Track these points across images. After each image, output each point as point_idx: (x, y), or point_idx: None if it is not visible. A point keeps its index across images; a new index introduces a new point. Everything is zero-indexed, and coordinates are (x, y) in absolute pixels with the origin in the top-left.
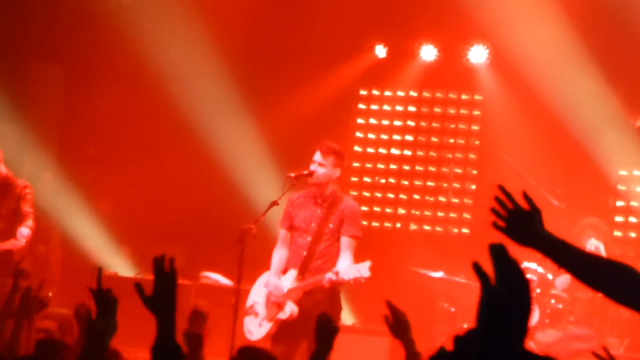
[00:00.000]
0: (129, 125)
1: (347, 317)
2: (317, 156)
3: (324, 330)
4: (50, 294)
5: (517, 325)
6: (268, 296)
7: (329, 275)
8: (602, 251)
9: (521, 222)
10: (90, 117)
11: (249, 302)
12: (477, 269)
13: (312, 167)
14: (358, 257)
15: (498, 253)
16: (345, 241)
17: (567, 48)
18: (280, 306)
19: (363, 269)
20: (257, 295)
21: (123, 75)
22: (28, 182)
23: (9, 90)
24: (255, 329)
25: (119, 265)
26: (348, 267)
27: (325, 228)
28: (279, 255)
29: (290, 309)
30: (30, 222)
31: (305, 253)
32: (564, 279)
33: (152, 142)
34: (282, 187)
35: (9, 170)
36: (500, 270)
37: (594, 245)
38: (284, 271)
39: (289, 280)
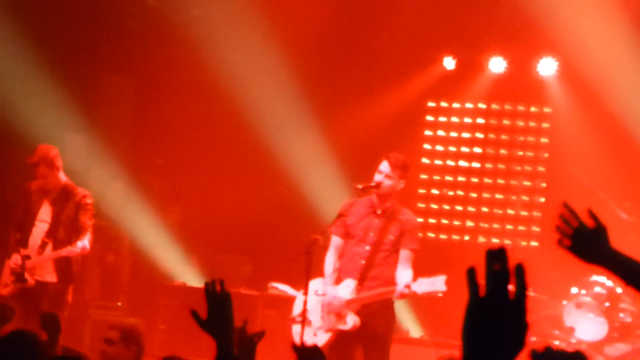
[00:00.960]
0: (197, 135)
1: (415, 330)
2: (385, 167)
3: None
4: (119, 304)
5: (499, 339)
6: (324, 305)
7: (400, 289)
8: None
9: (587, 240)
10: (159, 127)
11: (296, 310)
12: (470, 276)
13: (379, 177)
14: (425, 270)
15: (493, 259)
16: (405, 254)
17: (636, 60)
18: (340, 316)
19: (438, 283)
20: (309, 303)
21: (192, 86)
22: (89, 191)
23: (80, 101)
24: (310, 337)
25: (188, 275)
26: (421, 281)
27: (385, 239)
28: (332, 263)
29: (353, 321)
30: (88, 235)
31: (363, 262)
32: None
33: (220, 152)
34: (349, 198)
35: (68, 178)
36: (492, 278)
37: None
38: (338, 280)
39: (347, 290)
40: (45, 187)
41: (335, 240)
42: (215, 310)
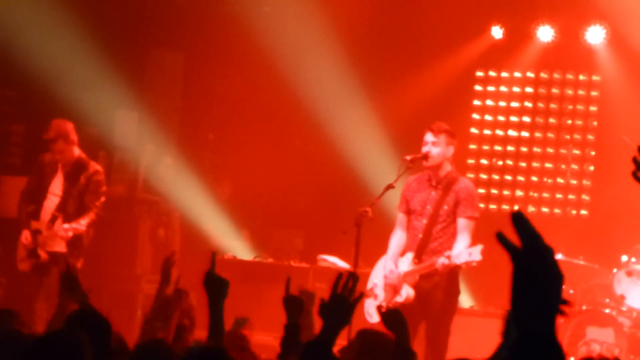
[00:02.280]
0: (247, 110)
1: (465, 300)
2: (429, 136)
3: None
4: None
5: (547, 293)
6: (385, 279)
7: (442, 259)
8: None
9: None
10: (209, 102)
11: (369, 285)
12: (502, 238)
13: (426, 148)
14: (476, 239)
15: (519, 221)
16: (461, 222)
17: None
18: (396, 290)
19: (475, 253)
20: (376, 277)
21: (242, 61)
22: (100, 166)
23: (129, 77)
24: (374, 311)
25: (238, 248)
26: (460, 252)
27: (441, 210)
28: (396, 239)
29: (406, 293)
30: (91, 215)
31: (421, 236)
32: None
33: (270, 126)
34: (398, 170)
35: (82, 151)
36: (525, 236)
37: None
38: (402, 254)
39: (405, 264)
40: (61, 161)
41: (399, 217)
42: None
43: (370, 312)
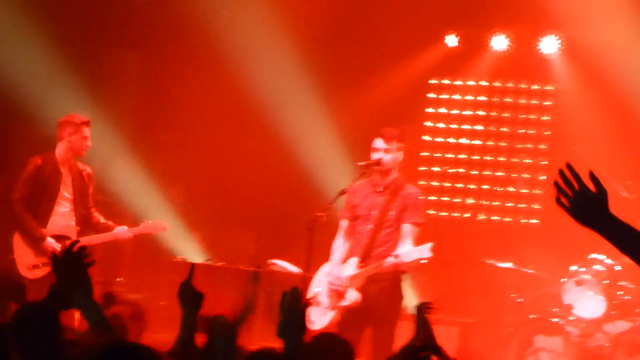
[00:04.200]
0: (202, 112)
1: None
2: (380, 143)
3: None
4: (120, 279)
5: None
6: (329, 286)
7: (390, 258)
8: None
9: (586, 203)
10: (164, 103)
11: (311, 293)
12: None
13: (377, 155)
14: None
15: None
16: (407, 228)
17: None
18: (341, 295)
19: (424, 251)
20: (319, 285)
21: (198, 62)
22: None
23: (84, 77)
24: (318, 318)
25: (190, 250)
26: (408, 250)
27: (387, 215)
28: (340, 246)
29: (352, 296)
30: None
31: (367, 240)
32: None
33: (224, 129)
34: (351, 176)
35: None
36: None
37: None
38: (346, 260)
39: (350, 269)
40: (67, 162)
41: (343, 224)
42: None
43: (313, 319)
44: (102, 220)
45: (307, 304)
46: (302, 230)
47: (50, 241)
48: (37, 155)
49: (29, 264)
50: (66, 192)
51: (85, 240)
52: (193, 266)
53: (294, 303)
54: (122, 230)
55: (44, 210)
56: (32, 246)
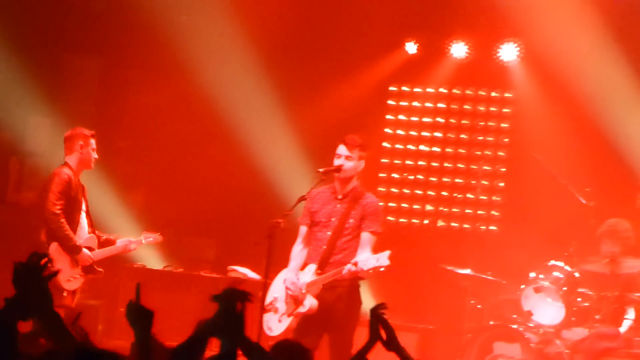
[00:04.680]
0: (162, 118)
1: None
2: (342, 150)
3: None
4: None
5: None
6: (287, 292)
7: (348, 266)
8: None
9: None
10: (123, 110)
11: (268, 299)
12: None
13: (339, 161)
14: (381, 251)
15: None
16: (365, 236)
17: (599, 45)
18: (299, 302)
19: (382, 258)
20: (276, 291)
21: (158, 69)
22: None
23: (44, 83)
24: (275, 324)
25: (149, 257)
26: (367, 257)
27: (346, 223)
28: (298, 252)
29: (309, 303)
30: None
31: (325, 247)
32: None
33: (184, 135)
34: (311, 183)
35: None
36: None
37: (609, 251)
38: (303, 267)
39: (307, 275)
40: (77, 175)
41: (302, 230)
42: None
43: (271, 326)
44: (98, 232)
45: (243, 303)
46: (262, 236)
47: (85, 252)
48: (61, 167)
49: (68, 276)
50: (83, 204)
51: (98, 254)
52: (139, 286)
53: (230, 304)
54: (127, 242)
55: (73, 222)
56: (68, 258)
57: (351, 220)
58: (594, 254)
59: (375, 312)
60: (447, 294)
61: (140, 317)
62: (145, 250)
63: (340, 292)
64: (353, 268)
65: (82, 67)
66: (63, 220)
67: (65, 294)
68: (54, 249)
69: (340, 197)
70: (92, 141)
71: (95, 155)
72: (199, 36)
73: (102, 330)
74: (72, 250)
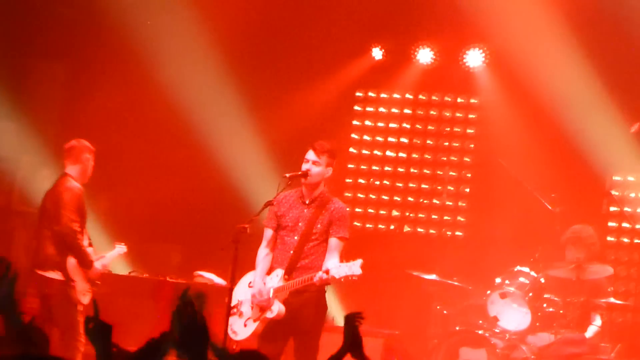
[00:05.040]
0: (127, 122)
1: (340, 318)
2: (311, 155)
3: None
4: None
5: None
6: (253, 297)
7: (320, 274)
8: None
9: None
10: (89, 114)
11: (233, 302)
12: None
13: (306, 166)
14: (351, 258)
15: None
16: (333, 242)
17: (564, 53)
18: (266, 305)
19: (355, 267)
20: (242, 295)
21: (123, 73)
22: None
23: (9, 87)
24: (240, 329)
25: (114, 262)
26: (339, 266)
27: (314, 228)
28: (264, 256)
29: (277, 309)
30: None
31: (292, 252)
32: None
33: (150, 139)
34: (277, 188)
35: None
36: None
37: (574, 257)
38: (270, 270)
39: (275, 280)
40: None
41: (267, 233)
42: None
43: (236, 330)
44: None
45: (202, 313)
46: (228, 242)
47: (95, 267)
48: (67, 179)
49: (83, 290)
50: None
51: (105, 262)
52: (95, 301)
53: (192, 313)
54: (123, 249)
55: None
56: (82, 272)
57: (319, 226)
58: (560, 259)
59: (351, 319)
60: (413, 300)
61: (99, 332)
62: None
63: (307, 298)
64: (325, 276)
65: (47, 72)
66: (80, 237)
67: (81, 308)
68: (71, 264)
69: (307, 202)
70: (93, 154)
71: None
72: (164, 40)
73: None
74: (87, 265)
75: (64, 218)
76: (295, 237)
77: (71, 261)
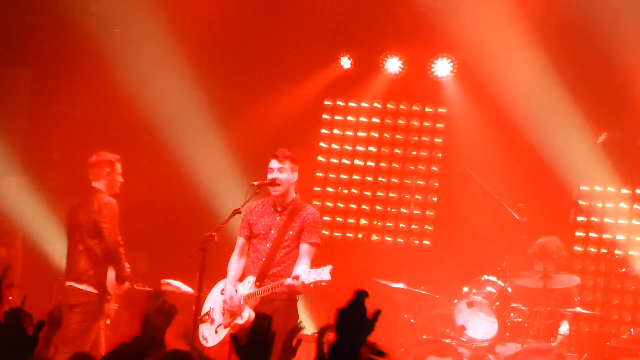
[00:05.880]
0: (94, 129)
1: (308, 327)
2: (274, 163)
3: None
4: (10, 298)
5: None
6: (224, 302)
7: (289, 280)
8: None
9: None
10: (55, 121)
11: (204, 309)
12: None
13: (272, 175)
14: (319, 266)
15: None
16: (304, 248)
17: (532, 63)
18: (236, 313)
19: (324, 273)
20: (213, 302)
21: (90, 81)
22: None
23: None
24: (211, 335)
25: None
26: (309, 272)
27: (286, 235)
28: (235, 263)
29: (247, 315)
30: None
31: (264, 259)
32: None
33: (117, 147)
34: (245, 196)
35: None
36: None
37: (541, 268)
38: (242, 278)
39: (246, 287)
40: None
41: (239, 241)
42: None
43: (206, 337)
44: None
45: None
46: (195, 249)
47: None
48: (100, 194)
49: (113, 305)
50: None
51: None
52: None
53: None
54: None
55: None
56: (115, 287)
57: (290, 233)
58: (527, 268)
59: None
60: (380, 308)
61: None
62: None
63: (277, 306)
64: (294, 282)
65: (13, 79)
66: (123, 250)
67: (108, 321)
68: (110, 278)
69: (279, 209)
70: (118, 165)
71: (120, 179)
72: (132, 48)
73: None
74: (123, 280)
75: (108, 232)
76: (268, 245)
77: (110, 275)
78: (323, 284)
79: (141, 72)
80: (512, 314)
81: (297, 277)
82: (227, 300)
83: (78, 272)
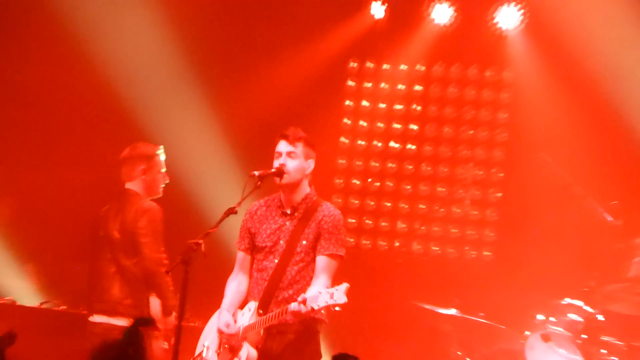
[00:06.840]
0: (45, 112)
1: None
2: (283, 146)
3: None
4: None
5: None
6: (220, 338)
7: (294, 305)
8: None
9: None
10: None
11: (198, 349)
12: None
13: (279, 161)
14: (336, 283)
15: None
16: (321, 261)
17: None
18: (234, 350)
19: (338, 294)
20: (208, 339)
21: (50, 54)
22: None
23: None
24: None
25: (20, 290)
26: (318, 293)
27: (298, 246)
28: (235, 285)
29: (246, 354)
30: None
31: (268, 280)
32: None
33: (75, 134)
34: (242, 191)
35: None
36: None
37: None
38: (243, 304)
39: (246, 317)
40: None
41: (239, 256)
42: None
43: None
44: None
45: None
46: (175, 262)
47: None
48: (137, 197)
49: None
50: None
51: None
52: None
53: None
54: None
55: None
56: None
57: (304, 242)
58: (624, 290)
59: None
60: (424, 341)
61: None
62: (17, 281)
63: (290, 340)
64: (301, 308)
65: None
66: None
67: None
68: (155, 307)
69: (288, 211)
70: (159, 159)
71: (164, 179)
72: (109, 20)
73: None
74: (170, 310)
75: (148, 248)
76: (275, 260)
77: (155, 303)
78: (337, 308)
79: (116, 46)
80: (603, 351)
81: (304, 301)
82: (222, 328)
83: (111, 302)
